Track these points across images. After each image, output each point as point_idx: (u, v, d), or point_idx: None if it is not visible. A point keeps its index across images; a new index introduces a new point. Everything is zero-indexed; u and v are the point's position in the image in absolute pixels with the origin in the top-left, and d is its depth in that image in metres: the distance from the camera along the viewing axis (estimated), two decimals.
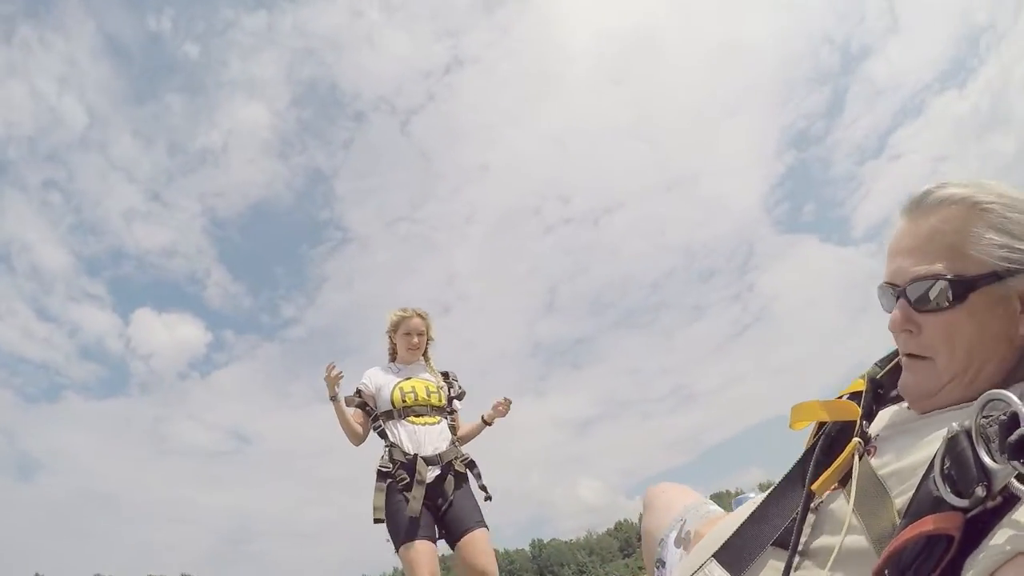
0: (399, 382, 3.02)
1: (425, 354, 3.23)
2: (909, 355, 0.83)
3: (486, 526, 2.88)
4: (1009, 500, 0.55)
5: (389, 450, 2.87)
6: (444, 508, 2.83)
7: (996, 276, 0.75)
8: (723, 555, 0.88)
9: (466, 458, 3.01)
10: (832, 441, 0.89)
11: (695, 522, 1.23)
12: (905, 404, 0.90)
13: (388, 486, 2.77)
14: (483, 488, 3.00)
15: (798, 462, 0.92)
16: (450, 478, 2.86)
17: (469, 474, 2.98)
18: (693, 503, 1.34)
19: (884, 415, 0.91)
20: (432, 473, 2.83)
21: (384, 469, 2.81)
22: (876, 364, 0.97)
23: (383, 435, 2.92)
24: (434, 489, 2.81)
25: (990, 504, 0.55)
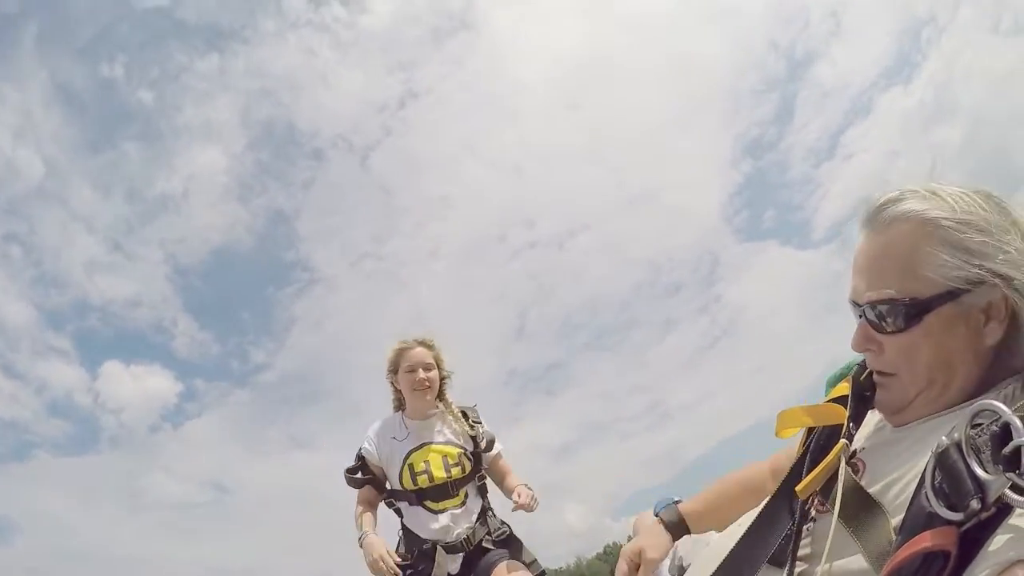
0: (408, 455, 2.38)
1: (441, 395, 2.50)
2: (878, 372, 0.83)
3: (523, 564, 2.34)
4: (1002, 510, 0.54)
5: (403, 534, 2.38)
6: None
7: (951, 295, 0.73)
8: None
9: (502, 532, 2.41)
10: (821, 447, 0.88)
11: (687, 547, 1.23)
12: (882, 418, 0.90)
13: None
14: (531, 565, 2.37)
15: (787, 476, 0.91)
16: (481, 562, 2.33)
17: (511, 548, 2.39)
18: None
19: (867, 424, 0.90)
20: (455, 564, 2.32)
21: (402, 562, 2.27)
22: (858, 364, 0.96)
23: (398, 512, 2.40)
24: None
25: (984, 516, 0.54)
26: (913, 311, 0.75)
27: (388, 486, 2.41)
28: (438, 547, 2.28)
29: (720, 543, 0.96)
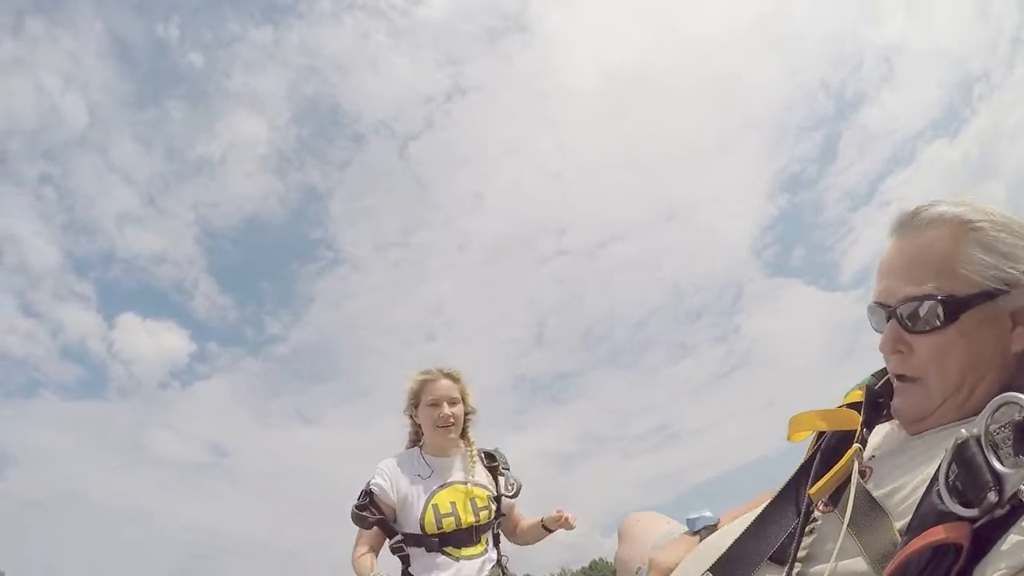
0: (433, 496, 2.10)
1: (464, 434, 2.26)
2: (901, 378, 0.83)
3: None
4: (1017, 509, 0.54)
5: None
6: None
7: (987, 295, 0.75)
8: (718, 570, 0.86)
9: None
10: (832, 452, 0.88)
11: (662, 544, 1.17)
12: (896, 423, 0.89)
13: None
14: None
15: (795, 474, 0.91)
16: None
17: None
18: (671, 530, 1.31)
19: (878, 432, 0.90)
20: None
21: None
22: (872, 375, 0.96)
23: (404, 559, 2.08)
24: None
25: (998, 513, 0.54)
26: (951, 309, 0.75)
27: (399, 529, 2.09)
28: None
29: (715, 540, 0.96)
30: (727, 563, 0.85)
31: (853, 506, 0.74)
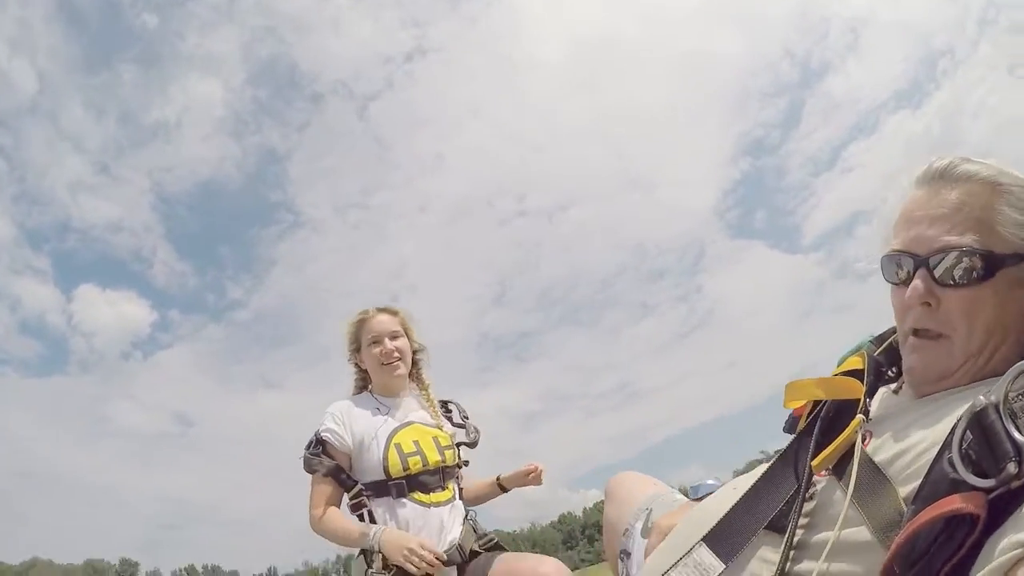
0: (394, 435, 1.91)
1: (418, 376, 2.12)
2: (920, 334, 0.79)
3: None
4: None
5: (379, 547, 1.76)
6: None
7: (1020, 257, 0.73)
8: (713, 539, 0.83)
9: (489, 539, 1.96)
10: (832, 420, 0.86)
11: (662, 511, 1.18)
12: (893, 387, 0.88)
13: None
14: None
15: (792, 443, 0.88)
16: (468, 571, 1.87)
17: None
18: (658, 492, 1.32)
19: (875, 399, 0.87)
20: None
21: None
22: (871, 341, 0.94)
23: (369, 515, 1.84)
24: None
25: (1015, 484, 0.52)
26: (989, 264, 0.73)
27: (358, 479, 1.87)
28: None
29: (711, 505, 0.94)
30: (722, 530, 0.83)
31: (857, 475, 0.72)
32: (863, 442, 0.76)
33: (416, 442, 1.91)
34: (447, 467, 1.94)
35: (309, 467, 1.87)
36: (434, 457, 1.90)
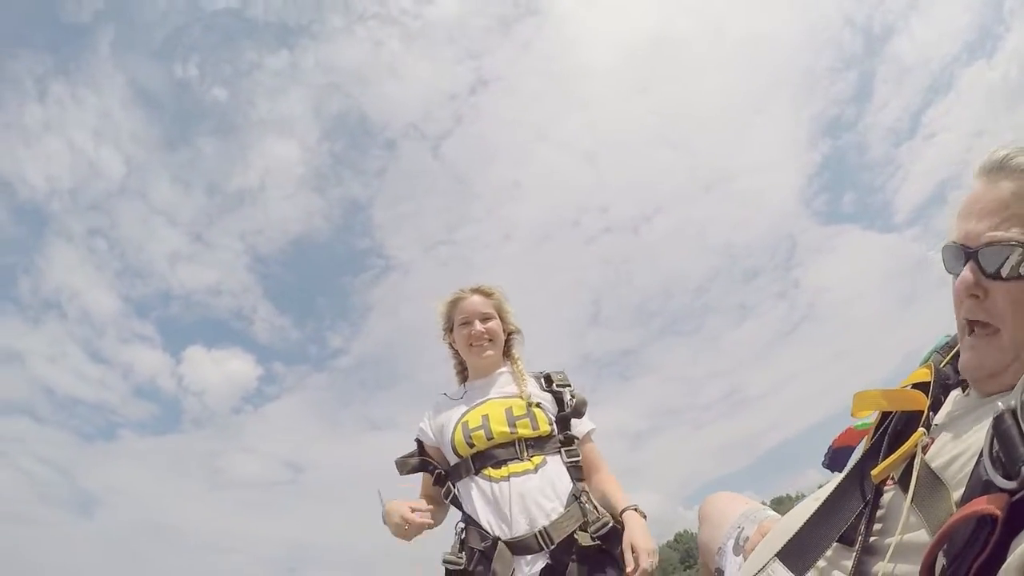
0: (464, 416, 1.84)
1: (509, 354, 2.01)
2: (972, 327, 0.81)
3: None
4: None
5: (464, 530, 1.75)
6: None
7: None
8: (786, 554, 0.87)
9: (603, 524, 1.67)
10: (898, 433, 0.88)
11: (753, 528, 1.20)
12: (962, 391, 0.89)
13: None
14: None
15: (861, 457, 0.91)
16: (572, 570, 1.60)
17: (613, 554, 1.66)
18: (749, 509, 1.33)
19: (947, 403, 0.89)
20: (530, 569, 1.61)
21: (451, 567, 1.69)
22: (937, 352, 0.95)
23: (458, 504, 1.79)
24: None
25: None
26: None
27: (445, 468, 1.84)
28: (499, 543, 1.62)
29: (789, 520, 0.97)
30: (795, 547, 0.86)
31: (916, 482, 0.75)
32: (923, 451, 0.79)
33: (485, 416, 1.80)
34: (525, 438, 1.76)
35: (399, 467, 1.89)
36: (500, 428, 1.76)
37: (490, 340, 1.94)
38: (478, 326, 1.92)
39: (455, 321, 1.97)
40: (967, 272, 0.78)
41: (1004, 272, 0.75)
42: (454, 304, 1.98)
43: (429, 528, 1.72)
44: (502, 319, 1.99)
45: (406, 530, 1.67)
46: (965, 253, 0.79)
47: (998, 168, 0.79)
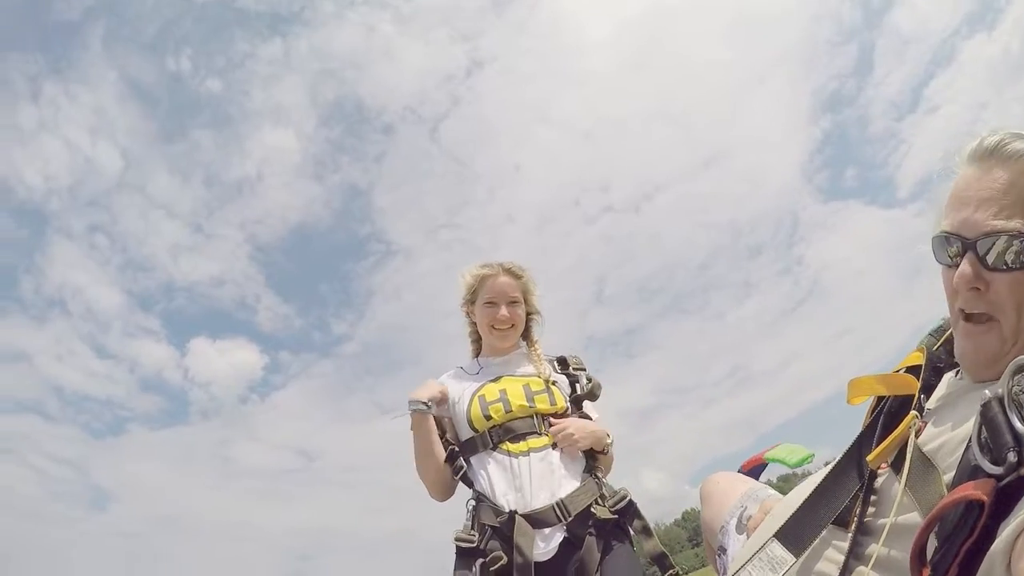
0: (480, 389, 1.83)
1: (528, 336, 2.00)
2: (970, 317, 0.80)
3: None
4: None
5: (475, 507, 1.72)
6: None
7: None
8: (784, 535, 0.89)
9: (620, 498, 1.72)
10: (893, 416, 0.89)
11: (755, 507, 1.23)
12: (955, 374, 0.90)
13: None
14: (658, 560, 1.68)
15: (856, 439, 0.93)
16: (590, 542, 1.62)
17: (627, 529, 1.71)
18: (751, 489, 1.36)
19: (940, 386, 0.90)
20: (547, 544, 1.61)
21: (464, 544, 1.65)
22: (930, 335, 0.96)
23: (468, 482, 1.78)
24: (556, 570, 1.61)
25: (1023, 471, 0.57)
26: None
27: (458, 441, 1.83)
28: (517, 517, 1.60)
29: (790, 500, 1.00)
30: (793, 527, 0.89)
31: (909, 467, 0.76)
32: (916, 434, 0.80)
33: (503, 391, 1.80)
34: (543, 413, 1.77)
35: (414, 414, 1.87)
36: (519, 402, 1.77)
37: (512, 326, 1.92)
38: (504, 311, 1.90)
39: (481, 297, 1.93)
40: (966, 265, 0.76)
41: (1008, 261, 0.74)
42: (483, 280, 1.93)
43: (442, 394, 1.82)
44: (526, 301, 1.96)
45: (427, 392, 1.76)
46: (963, 244, 0.77)
47: (991, 154, 0.77)
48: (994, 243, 0.74)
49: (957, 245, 0.79)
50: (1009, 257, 0.74)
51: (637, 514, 1.73)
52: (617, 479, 1.84)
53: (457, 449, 1.80)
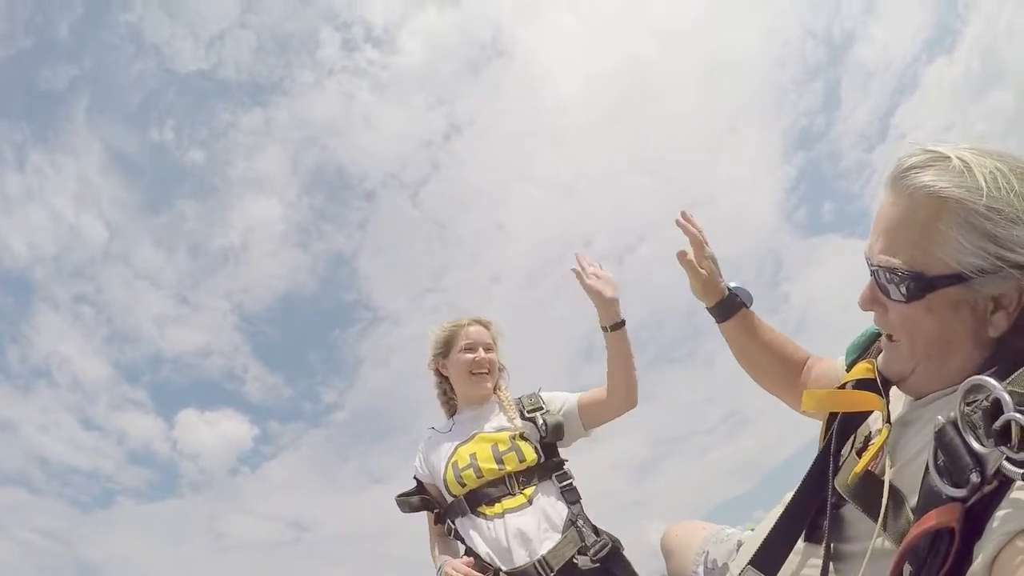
0: (453, 453, 1.86)
1: (497, 388, 2.01)
2: (887, 336, 0.83)
3: None
4: (1005, 483, 0.55)
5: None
6: None
7: (959, 279, 0.71)
8: (758, 561, 0.89)
9: (603, 545, 1.71)
10: (844, 426, 0.89)
11: (718, 549, 1.24)
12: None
13: None
14: None
15: (818, 458, 0.92)
16: None
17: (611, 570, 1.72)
18: (709, 533, 1.35)
19: (896, 398, 0.89)
20: None
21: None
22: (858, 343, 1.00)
23: (459, 538, 1.83)
24: None
25: (987, 489, 0.56)
26: (916, 286, 0.73)
27: (443, 506, 1.88)
28: (500, 574, 1.66)
29: (762, 528, 1.00)
30: (765, 552, 0.88)
31: (863, 488, 0.76)
32: (875, 460, 0.79)
33: (473, 455, 1.81)
34: (514, 473, 1.76)
35: (401, 507, 1.91)
36: (488, 466, 1.77)
37: (490, 371, 1.95)
38: (483, 353, 1.94)
39: (457, 346, 1.96)
40: (865, 288, 0.81)
41: (891, 295, 0.76)
42: (456, 330, 1.97)
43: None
44: (496, 354, 2.02)
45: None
46: (869, 267, 0.80)
47: (898, 181, 0.76)
48: (883, 275, 0.76)
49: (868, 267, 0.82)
50: (891, 289, 0.75)
51: (623, 562, 1.73)
52: (620, 533, 1.84)
53: (444, 512, 1.85)
